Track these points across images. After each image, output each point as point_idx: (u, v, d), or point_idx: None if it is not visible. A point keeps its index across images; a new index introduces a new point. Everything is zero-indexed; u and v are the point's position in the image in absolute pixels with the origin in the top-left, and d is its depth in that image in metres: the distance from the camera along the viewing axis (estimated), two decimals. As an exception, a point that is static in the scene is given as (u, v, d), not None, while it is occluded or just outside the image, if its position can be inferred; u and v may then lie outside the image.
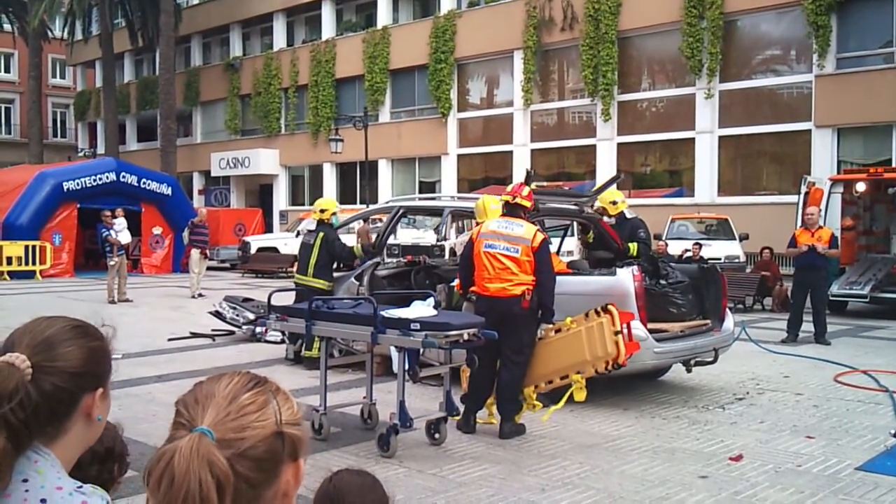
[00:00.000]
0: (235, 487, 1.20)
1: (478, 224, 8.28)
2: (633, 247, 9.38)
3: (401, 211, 10.51)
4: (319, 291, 9.68)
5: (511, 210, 7.31)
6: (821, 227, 12.60)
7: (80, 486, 1.47)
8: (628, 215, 9.77)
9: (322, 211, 10.42)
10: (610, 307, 6.88)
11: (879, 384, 8.99)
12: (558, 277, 8.08)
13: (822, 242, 12.20)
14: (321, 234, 10.22)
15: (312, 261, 10.17)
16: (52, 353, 1.50)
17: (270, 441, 1.24)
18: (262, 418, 1.24)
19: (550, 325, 7.12)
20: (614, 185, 10.92)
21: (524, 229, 7.09)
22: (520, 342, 6.99)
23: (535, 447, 6.62)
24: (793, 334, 12.36)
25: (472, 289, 7.23)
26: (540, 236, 7.08)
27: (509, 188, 7.49)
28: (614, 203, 9.75)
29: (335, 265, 10.48)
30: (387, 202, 11.10)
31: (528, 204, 7.36)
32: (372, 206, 11.72)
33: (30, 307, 14.62)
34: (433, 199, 12.08)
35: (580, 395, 6.74)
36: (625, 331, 6.81)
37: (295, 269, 10.90)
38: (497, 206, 8.20)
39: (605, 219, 9.86)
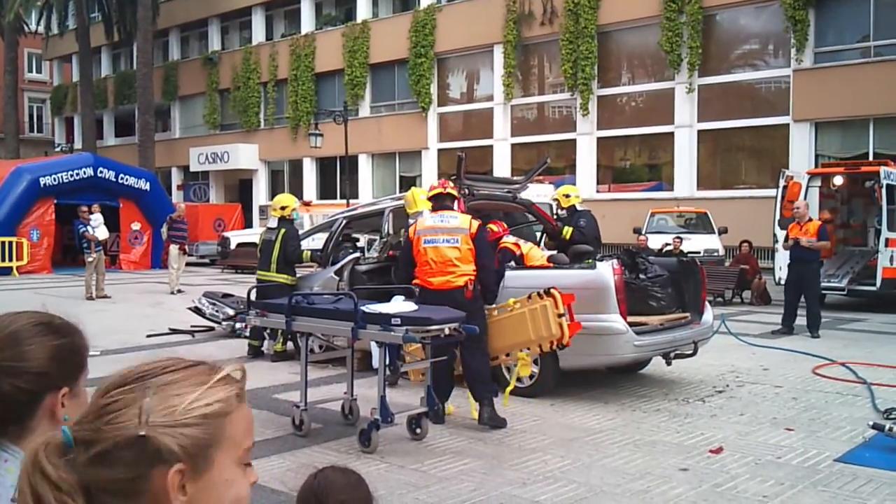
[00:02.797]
0: (93, 496, 1.07)
1: (410, 215, 8.53)
2: (567, 231, 9.81)
3: (343, 222, 10.69)
4: (284, 286, 9.82)
5: (441, 202, 7.54)
6: (810, 220, 12.70)
7: None
8: (580, 209, 10.35)
9: (283, 208, 10.62)
10: (553, 290, 7.19)
11: (857, 376, 9.05)
12: (539, 272, 8.23)
13: (808, 235, 12.32)
14: (282, 231, 10.41)
15: (275, 256, 10.33)
16: (12, 352, 1.45)
17: (125, 444, 1.07)
18: (121, 420, 1.07)
19: (494, 306, 7.49)
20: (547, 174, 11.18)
21: (459, 220, 7.36)
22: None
23: (516, 441, 6.62)
24: (787, 326, 12.51)
25: (416, 282, 7.43)
26: (475, 223, 7.36)
27: (436, 182, 7.82)
28: (567, 196, 10.26)
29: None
30: (331, 216, 11.44)
31: (455, 193, 7.71)
32: (323, 220, 12.07)
33: (3, 304, 14.46)
34: (371, 204, 12.31)
35: (525, 371, 7.33)
36: (568, 313, 7.16)
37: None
38: (426, 196, 8.45)
39: (559, 211, 10.45)
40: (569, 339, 7.12)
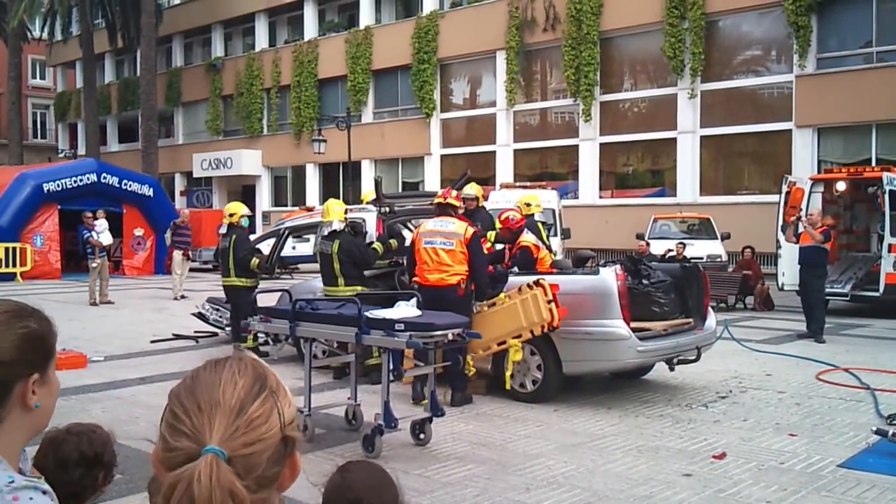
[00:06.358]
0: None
1: (324, 223, 9.32)
2: (491, 235, 10.17)
3: (287, 232, 11.39)
4: (245, 289, 10.50)
5: (443, 210, 8.45)
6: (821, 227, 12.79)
7: (13, 481, 1.39)
8: (537, 218, 10.80)
9: (231, 215, 11.14)
10: (541, 280, 7.86)
11: (861, 382, 9.05)
12: (543, 276, 8.31)
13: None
14: (233, 237, 10.93)
15: (231, 262, 10.87)
16: None
17: (276, 448, 1.19)
18: (270, 427, 1.19)
19: (485, 302, 8.20)
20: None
21: (456, 226, 8.22)
22: None
23: (519, 447, 6.63)
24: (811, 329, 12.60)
25: (415, 279, 8.28)
26: (471, 230, 8.22)
27: (440, 192, 8.74)
28: (528, 205, 10.75)
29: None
30: (276, 224, 12.12)
31: (457, 203, 8.62)
32: (271, 228, 12.72)
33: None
34: (312, 216, 12.79)
35: (517, 356, 7.93)
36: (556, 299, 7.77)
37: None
38: (340, 207, 9.36)
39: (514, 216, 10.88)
40: (558, 322, 7.69)
